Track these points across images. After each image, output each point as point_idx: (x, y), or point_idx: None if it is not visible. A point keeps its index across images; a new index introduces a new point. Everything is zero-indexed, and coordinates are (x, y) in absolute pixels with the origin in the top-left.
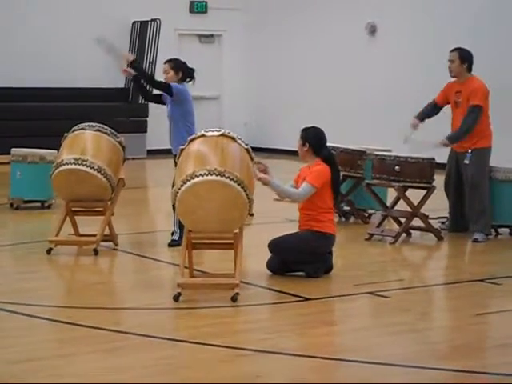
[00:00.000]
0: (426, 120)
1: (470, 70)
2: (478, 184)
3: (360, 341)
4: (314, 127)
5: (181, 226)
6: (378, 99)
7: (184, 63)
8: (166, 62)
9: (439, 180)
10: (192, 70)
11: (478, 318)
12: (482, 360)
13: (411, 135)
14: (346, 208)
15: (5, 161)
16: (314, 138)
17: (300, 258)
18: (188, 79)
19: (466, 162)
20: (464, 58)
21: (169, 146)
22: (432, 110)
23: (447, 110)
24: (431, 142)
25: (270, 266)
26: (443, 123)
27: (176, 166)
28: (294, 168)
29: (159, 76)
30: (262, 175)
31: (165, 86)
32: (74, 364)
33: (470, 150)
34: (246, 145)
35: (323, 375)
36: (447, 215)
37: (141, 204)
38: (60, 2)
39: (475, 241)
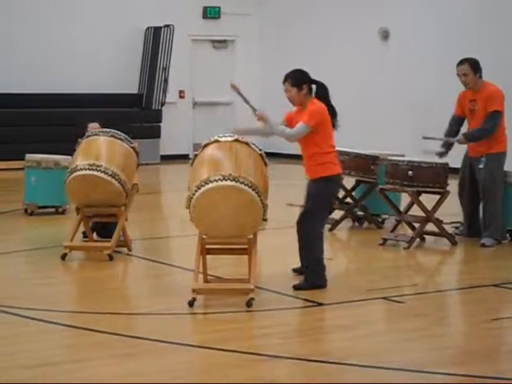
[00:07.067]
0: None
1: (481, 76)
2: (491, 189)
3: (374, 346)
4: (294, 70)
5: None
6: (391, 104)
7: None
8: None
9: (453, 185)
10: None
11: (492, 323)
12: (497, 365)
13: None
14: (360, 213)
15: (19, 166)
16: (306, 78)
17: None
18: None
19: (481, 166)
20: (476, 68)
21: (182, 152)
22: (455, 124)
23: None
24: (448, 138)
25: None
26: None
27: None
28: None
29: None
30: (260, 113)
31: None
32: (88, 369)
33: (484, 155)
34: (260, 150)
35: (338, 380)
36: (461, 220)
37: (155, 209)
38: (74, 9)
39: (482, 245)
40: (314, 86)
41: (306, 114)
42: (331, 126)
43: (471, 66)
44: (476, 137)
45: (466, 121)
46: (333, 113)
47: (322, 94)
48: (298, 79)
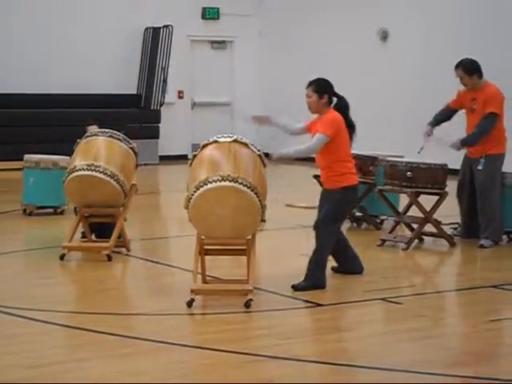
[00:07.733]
0: (442, 125)
1: (481, 76)
2: (488, 190)
3: (372, 347)
4: (319, 78)
5: None
6: (389, 105)
7: None
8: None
9: (452, 186)
10: None
11: (491, 324)
12: (495, 367)
13: (425, 144)
14: (358, 214)
15: (18, 167)
16: (328, 87)
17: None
18: None
19: (480, 167)
20: (469, 70)
21: (181, 152)
22: (447, 114)
23: (461, 115)
24: (445, 140)
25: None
26: (460, 129)
27: None
28: (307, 174)
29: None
30: (274, 155)
31: None
32: (85, 369)
33: (483, 156)
34: (259, 151)
35: (337, 381)
36: (459, 221)
37: (153, 210)
38: (73, 9)
39: (481, 247)
40: (334, 99)
41: (322, 124)
42: (348, 136)
43: (464, 70)
44: (471, 141)
45: (462, 118)
46: (351, 127)
47: (342, 107)
48: (321, 87)
